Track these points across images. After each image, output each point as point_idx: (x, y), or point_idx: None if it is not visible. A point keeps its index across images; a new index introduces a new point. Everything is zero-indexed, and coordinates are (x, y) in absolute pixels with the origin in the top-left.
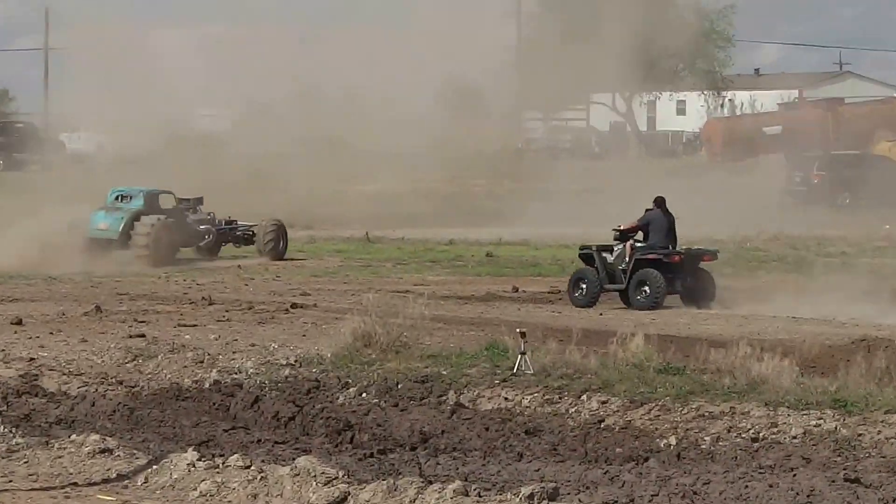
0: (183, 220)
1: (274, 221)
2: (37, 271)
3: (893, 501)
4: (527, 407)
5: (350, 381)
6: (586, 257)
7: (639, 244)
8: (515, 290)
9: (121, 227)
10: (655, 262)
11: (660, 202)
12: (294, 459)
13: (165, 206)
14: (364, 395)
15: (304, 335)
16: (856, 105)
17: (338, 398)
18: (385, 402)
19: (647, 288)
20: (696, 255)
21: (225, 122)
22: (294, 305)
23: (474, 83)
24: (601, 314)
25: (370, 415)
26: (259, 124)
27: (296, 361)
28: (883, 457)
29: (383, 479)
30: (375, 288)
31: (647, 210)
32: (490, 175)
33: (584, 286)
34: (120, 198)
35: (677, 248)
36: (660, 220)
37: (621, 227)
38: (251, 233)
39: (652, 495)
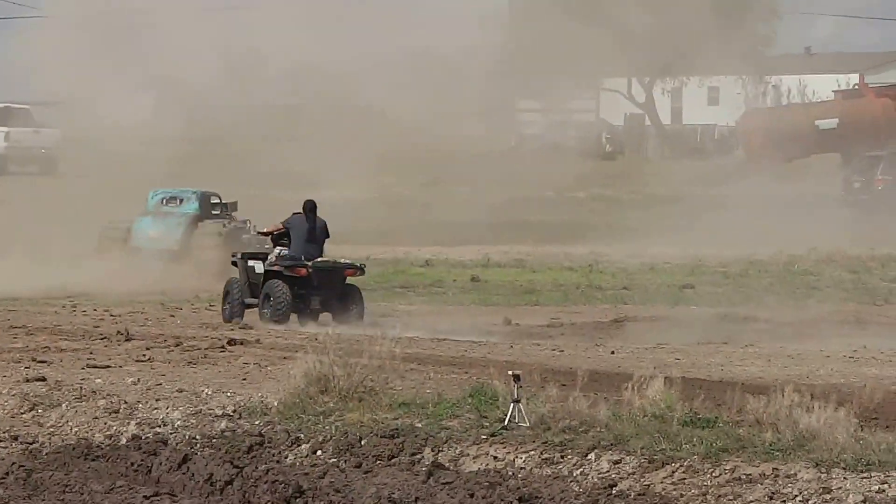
0: (237, 227)
1: None
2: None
3: None
4: (521, 468)
5: (302, 435)
6: (236, 265)
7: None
8: (508, 322)
9: (180, 236)
10: (283, 275)
11: (309, 207)
12: None
13: (215, 210)
14: (319, 452)
15: (244, 379)
16: None
17: (286, 457)
18: (345, 461)
19: (273, 301)
20: (334, 269)
21: (144, 111)
22: (232, 342)
23: (455, 65)
24: (613, 352)
25: (326, 478)
26: (180, 112)
27: (234, 411)
28: None
29: None
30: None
31: (294, 213)
32: (476, 180)
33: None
34: (165, 200)
35: (319, 260)
36: (300, 227)
37: (265, 231)
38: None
39: None
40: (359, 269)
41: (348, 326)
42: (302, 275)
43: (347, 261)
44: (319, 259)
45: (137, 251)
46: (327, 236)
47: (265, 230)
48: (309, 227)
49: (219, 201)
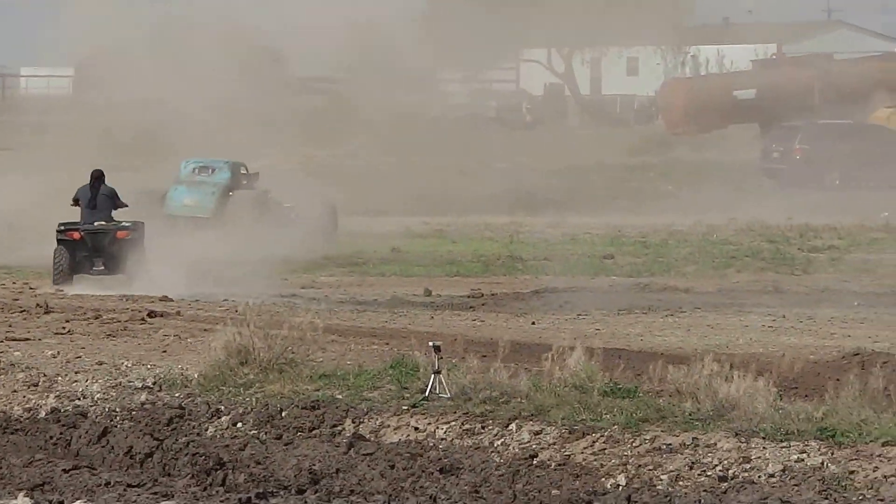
0: (266, 197)
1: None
2: None
3: None
4: (442, 439)
5: (222, 408)
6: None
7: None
8: (428, 293)
9: (213, 204)
10: (62, 240)
11: (95, 176)
12: None
13: (244, 180)
14: (239, 425)
15: (164, 351)
16: (848, 62)
17: (207, 429)
18: (266, 433)
19: (53, 265)
20: (106, 232)
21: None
22: (152, 314)
23: (378, 34)
24: (533, 323)
25: (247, 450)
26: (105, 78)
27: (154, 384)
28: (880, 500)
29: None
30: (254, 292)
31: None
32: (400, 149)
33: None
34: (198, 170)
35: (95, 224)
36: (84, 196)
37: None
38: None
39: None
40: (130, 230)
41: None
42: (75, 238)
43: (126, 223)
44: (96, 224)
45: (172, 218)
46: (115, 204)
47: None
48: (91, 195)
49: (246, 171)
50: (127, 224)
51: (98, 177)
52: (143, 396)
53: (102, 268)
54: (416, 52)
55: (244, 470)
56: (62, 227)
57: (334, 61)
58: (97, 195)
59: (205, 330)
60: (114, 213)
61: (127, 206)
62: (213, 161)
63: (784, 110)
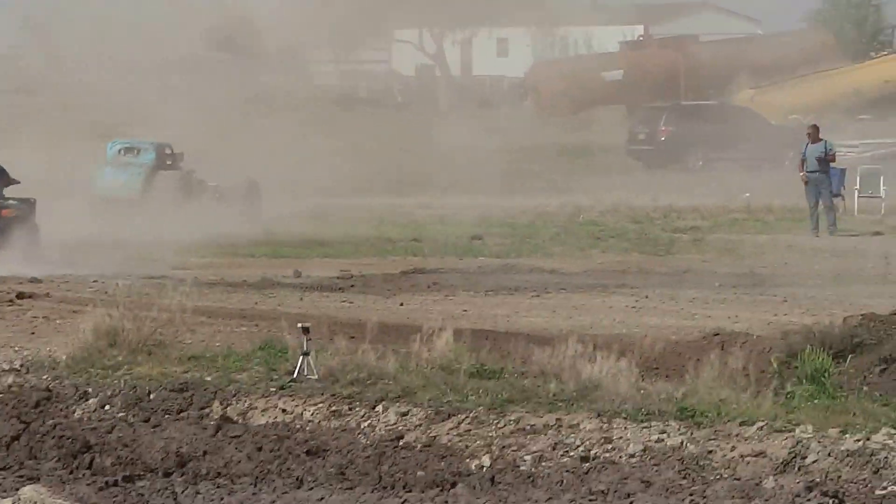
0: (192, 178)
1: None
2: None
3: None
4: (309, 421)
5: (90, 390)
6: None
7: None
8: (297, 274)
9: (140, 184)
10: None
11: None
12: (18, 490)
13: (169, 160)
14: (107, 407)
15: (32, 333)
16: (713, 44)
17: (74, 412)
18: (133, 416)
19: None
20: None
21: None
22: (21, 295)
23: (247, 14)
24: (402, 304)
25: (114, 432)
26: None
27: (21, 366)
28: (737, 479)
29: None
30: (124, 273)
31: None
32: (270, 130)
33: None
34: (123, 151)
35: None
36: None
37: None
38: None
39: None
40: (14, 208)
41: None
42: None
43: (12, 201)
44: None
45: (98, 199)
46: (6, 180)
47: None
48: None
49: (171, 152)
50: (12, 202)
51: None
52: (10, 379)
53: None
54: (285, 32)
55: (111, 453)
56: None
57: (204, 41)
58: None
59: (74, 311)
60: (7, 191)
61: (18, 182)
62: (139, 142)
63: (650, 91)
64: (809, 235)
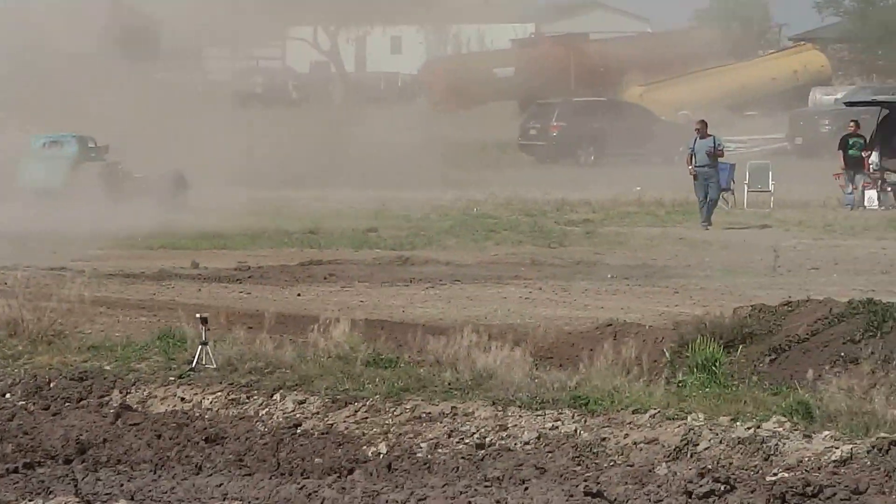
0: (117, 169)
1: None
2: None
3: None
4: (208, 409)
5: None
6: None
7: None
8: (195, 265)
9: (62, 177)
10: None
11: None
12: None
13: (92, 153)
14: (8, 395)
15: None
16: (603, 42)
17: None
18: (34, 404)
19: None
20: None
21: None
22: None
23: (142, 9)
24: (299, 295)
25: (15, 420)
26: None
27: None
28: (630, 465)
29: (31, 500)
30: (23, 264)
31: None
32: (165, 126)
33: None
34: (47, 144)
35: None
36: None
37: None
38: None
39: None
40: None
41: None
42: None
43: None
44: None
45: (23, 191)
46: None
47: None
48: None
49: (94, 145)
50: None
51: None
52: None
53: None
54: (181, 28)
55: (12, 440)
56: None
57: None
58: None
59: None
60: None
61: None
62: (62, 136)
63: (541, 88)
64: (700, 228)
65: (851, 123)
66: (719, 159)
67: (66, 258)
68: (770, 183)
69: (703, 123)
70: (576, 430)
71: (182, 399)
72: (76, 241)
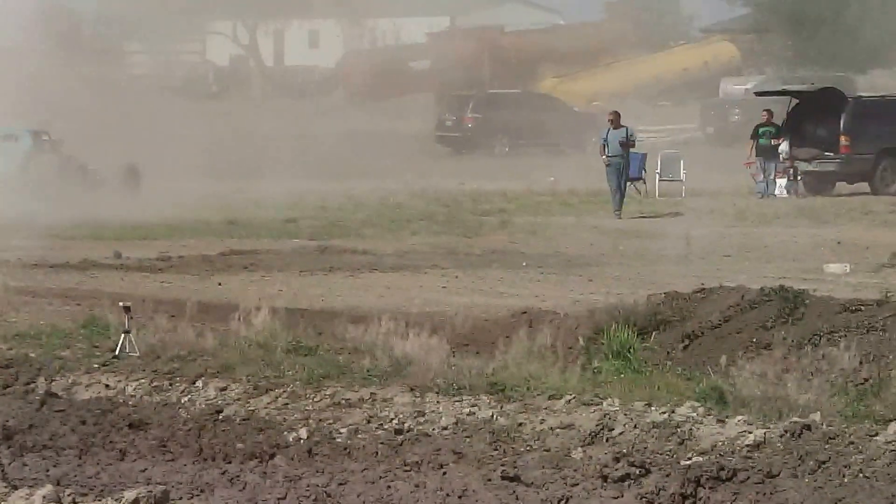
0: (70, 162)
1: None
2: None
3: (558, 502)
4: (131, 396)
5: None
6: None
7: None
8: (117, 255)
9: (16, 168)
10: None
11: None
12: None
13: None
14: None
15: None
16: (517, 35)
17: None
18: None
19: None
20: None
21: None
22: None
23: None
24: (220, 284)
25: None
26: None
27: None
28: (546, 450)
29: None
30: None
31: None
32: (87, 119)
33: None
34: (1, 137)
35: None
36: None
37: None
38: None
39: (279, 498)
40: None
41: None
42: None
43: None
44: None
45: None
46: None
47: None
48: None
49: (48, 138)
50: None
51: None
52: None
53: None
54: (104, 24)
55: None
56: None
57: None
58: None
59: None
60: None
61: None
62: (14, 129)
63: (457, 80)
64: (613, 217)
65: (764, 112)
66: (631, 149)
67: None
68: (682, 172)
69: (616, 114)
70: (493, 416)
71: (106, 386)
72: (36, 231)
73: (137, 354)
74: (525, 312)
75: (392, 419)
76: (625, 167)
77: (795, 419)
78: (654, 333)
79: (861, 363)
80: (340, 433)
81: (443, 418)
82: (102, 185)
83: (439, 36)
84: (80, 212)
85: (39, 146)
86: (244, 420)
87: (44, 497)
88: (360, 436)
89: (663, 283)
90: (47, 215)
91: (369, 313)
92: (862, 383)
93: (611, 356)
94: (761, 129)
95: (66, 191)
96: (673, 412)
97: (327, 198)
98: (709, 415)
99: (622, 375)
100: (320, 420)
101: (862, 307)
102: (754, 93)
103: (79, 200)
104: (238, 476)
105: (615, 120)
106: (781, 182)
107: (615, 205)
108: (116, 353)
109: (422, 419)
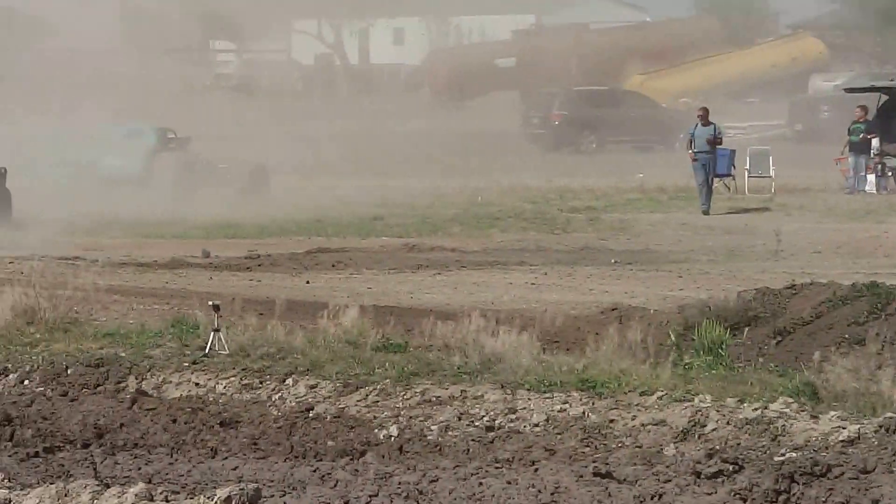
0: (194, 159)
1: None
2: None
3: (651, 499)
4: (222, 394)
5: (9, 366)
6: None
7: None
8: (206, 254)
9: (140, 167)
10: None
11: None
12: None
13: (171, 144)
14: (26, 382)
15: None
16: (603, 32)
17: None
18: (52, 390)
19: None
20: None
21: None
22: None
23: (151, 4)
24: (308, 282)
25: (34, 406)
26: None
27: None
28: (638, 446)
29: (51, 483)
30: (39, 254)
31: None
32: (178, 117)
33: None
34: (126, 134)
35: None
36: None
37: None
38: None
39: (370, 496)
40: None
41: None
42: None
43: None
44: None
45: (101, 180)
46: None
47: None
48: None
49: (174, 136)
50: None
51: None
52: None
53: None
54: (190, 22)
55: (31, 425)
56: None
57: (111, 32)
58: None
59: None
60: None
61: None
62: (140, 126)
63: (543, 78)
64: (701, 213)
65: (858, 109)
66: (717, 146)
67: (78, 248)
68: (770, 168)
69: (705, 111)
70: (584, 413)
71: (196, 384)
72: (165, 228)
73: (227, 352)
74: (615, 309)
75: (483, 416)
76: (712, 163)
77: (890, 414)
78: (745, 329)
79: None
80: (431, 430)
81: (534, 415)
82: (231, 184)
83: (525, 33)
84: (206, 210)
85: (164, 144)
86: (335, 418)
87: (136, 495)
88: (451, 433)
89: (753, 279)
90: (169, 212)
91: (458, 310)
92: None
93: (702, 352)
94: (853, 126)
95: (193, 189)
96: (766, 408)
97: (414, 196)
98: (802, 411)
99: (714, 371)
100: (411, 417)
101: None
102: (843, 89)
103: (205, 198)
104: (329, 474)
105: (704, 116)
106: (871, 178)
107: (702, 200)
108: (206, 351)
109: (513, 416)
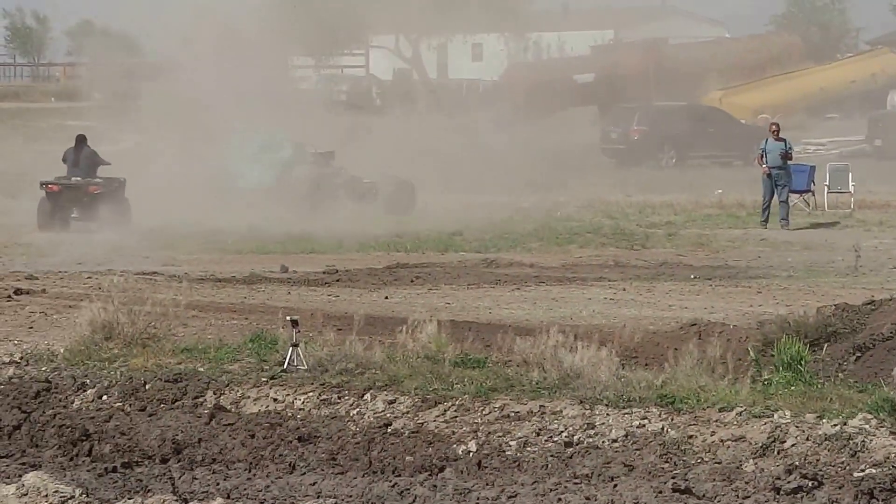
0: (331, 172)
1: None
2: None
3: None
4: (300, 409)
5: (88, 381)
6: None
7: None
8: (284, 269)
9: (273, 179)
10: (46, 193)
11: (78, 139)
12: (21, 476)
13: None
14: (105, 397)
15: (30, 327)
16: (681, 47)
17: (73, 402)
18: (130, 405)
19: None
20: (79, 186)
21: None
22: (18, 291)
23: (232, 20)
24: (386, 297)
25: (112, 421)
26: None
27: (21, 359)
28: (717, 462)
29: (129, 498)
30: (117, 269)
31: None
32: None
33: None
34: (262, 146)
35: (73, 179)
36: (69, 156)
37: None
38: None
39: None
40: (101, 186)
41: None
42: (53, 191)
43: (99, 179)
44: (73, 179)
45: (236, 191)
46: (96, 161)
47: None
48: (74, 156)
49: (314, 150)
50: (98, 180)
51: (81, 140)
52: (11, 371)
53: (77, 216)
54: (269, 38)
55: (110, 441)
56: (43, 183)
57: (193, 48)
58: (80, 155)
59: (69, 306)
60: (100, 171)
61: (109, 164)
62: (276, 138)
63: (620, 93)
64: (780, 229)
65: None
66: (797, 162)
67: (157, 263)
68: (850, 184)
69: (778, 126)
70: (663, 428)
71: (274, 399)
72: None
73: (305, 368)
74: (694, 324)
75: (562, 432)
76: (786, 178)
77: None
78: (824, 345)
79: None
80: (510, 446)
81: (613, 431)
82: (376, 199)
83: (604, 48)
84: (344, 223)
85: (302, 157)
86: (413, 433)
87: None
88: (529, 448)
89: (832, 294)
90: (302, 226)
91: (537, 326)
92: None
93: (781, 368)
94: None
95: (335, 203)
96: (845, 424)
97: (493, 211)
98: (882, 427)
99: (793, 388)
100: (489, 433)
101: None
102: None
103: (347, 213)
104: (408, 489)
105: (776, 131)
106: None
107: (763, 215)
108: (284, 366)
109: (591, 432)
